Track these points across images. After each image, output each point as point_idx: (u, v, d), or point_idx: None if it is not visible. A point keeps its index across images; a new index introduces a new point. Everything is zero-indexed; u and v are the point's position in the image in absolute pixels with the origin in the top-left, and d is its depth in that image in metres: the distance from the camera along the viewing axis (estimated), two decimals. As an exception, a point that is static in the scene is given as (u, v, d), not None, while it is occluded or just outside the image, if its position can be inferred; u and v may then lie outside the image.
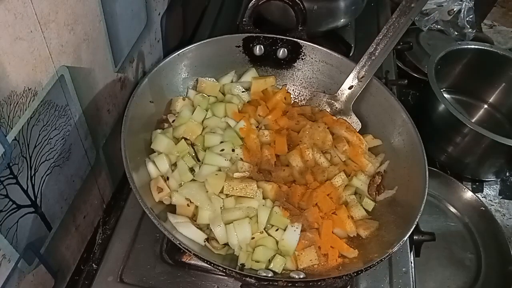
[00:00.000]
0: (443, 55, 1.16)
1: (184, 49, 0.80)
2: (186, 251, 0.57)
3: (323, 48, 0.85)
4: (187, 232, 0.65)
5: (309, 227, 0.67)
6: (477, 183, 1.19)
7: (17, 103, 0.52)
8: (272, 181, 0.71)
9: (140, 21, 0.84)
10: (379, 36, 0.77)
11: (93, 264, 0.73)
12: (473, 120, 1.25)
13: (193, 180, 0.70)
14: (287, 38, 0.85)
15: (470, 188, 1.14)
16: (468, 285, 0.99)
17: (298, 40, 0.85)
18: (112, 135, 0.82)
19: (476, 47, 1.22)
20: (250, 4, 0.82)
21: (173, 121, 0.78)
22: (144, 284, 0.69)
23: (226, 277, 0.71)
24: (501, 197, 1.17)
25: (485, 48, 1.22)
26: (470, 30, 1.44)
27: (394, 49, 1.07)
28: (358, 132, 0.81)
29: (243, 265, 0.64)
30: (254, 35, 0.84)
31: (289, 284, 0.55)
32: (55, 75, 0.59)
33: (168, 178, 0.70)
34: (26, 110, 0.54)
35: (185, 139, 0.74)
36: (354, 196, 0.75)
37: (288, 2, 0.83)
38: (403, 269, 0.75)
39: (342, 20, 1.09)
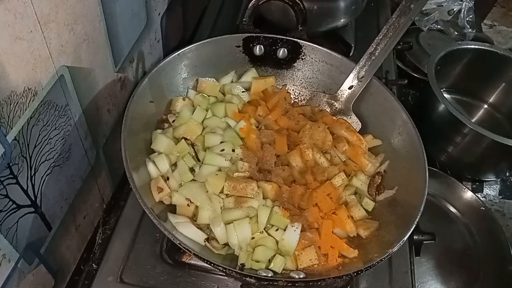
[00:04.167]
0: (443, 55, 1.16)
1: (184, 49, 0.80)
2: (186, 251, 0.57)
3: (323, 48, 0.85)
4: (187, 232, 0.65)
5: (309, 227, 0.67)
6: (477, 183, 1.18)
7: (17, 103, 0.52)
8: (272, 181, 0.71)
9: (140, 21, 0.84)
10: (379, 36, 0.77)
11: (93, 264, 0.73)
12: (473, 120, 1.24)
13: (193, 180, 0.70)
14: (287, 38, 0.85)
15: (470, 188, 1.13)
16: (468, 285, 0.99)
17: (298, 40, 0.85)
18: (112, 135, 0.82)
19: (476, 47, 1.22)
20: (250, 4, 0.82)
21: (173, 121, 0.78)
22: (144, 284, 0.69)
23: (226, 277, 0.71)
24: (501, 197, 1.17)
25: (485, 48, 1.22)
26: (470, 30, 1.44)
27: (394, 49, 1.07)
28: (358, 132, 0.82)
29: (243, 265, 0.64)
30: (254, 35, 0.84)
31: (289, 284, 0.55)
32: (55, 75, 0.59)
33: (168, 178, 0.70)
34: (26, 110, 0.54)
35: (185, 139, 0.74)
36: (354, 196, 0.75)
37: (288, 2, 0.83)
38: (403, 269, 0.74)
39: (342, 20, 1.09)
